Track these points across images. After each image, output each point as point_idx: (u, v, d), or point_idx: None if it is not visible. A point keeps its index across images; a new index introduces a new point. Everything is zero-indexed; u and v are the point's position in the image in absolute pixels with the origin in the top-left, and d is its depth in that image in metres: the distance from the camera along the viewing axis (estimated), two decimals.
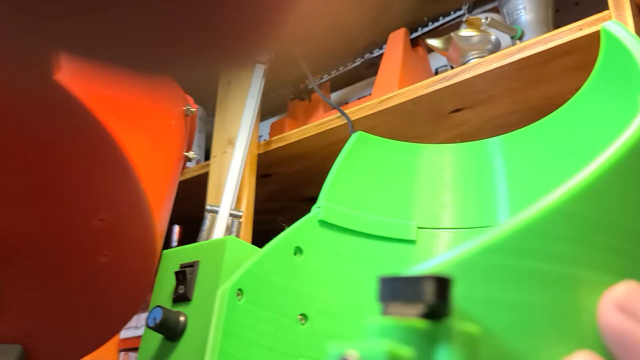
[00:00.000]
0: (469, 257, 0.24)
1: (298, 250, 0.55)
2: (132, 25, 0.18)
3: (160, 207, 0.45)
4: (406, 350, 0.20)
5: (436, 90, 0.83)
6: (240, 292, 0.48)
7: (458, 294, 0.22)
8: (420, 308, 0.21)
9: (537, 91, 0.80)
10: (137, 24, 0.18)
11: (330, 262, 0.57)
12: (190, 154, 0.62)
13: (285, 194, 1.21)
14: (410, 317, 0.21)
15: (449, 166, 0.59)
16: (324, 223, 0.57)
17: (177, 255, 0.54)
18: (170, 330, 0.48)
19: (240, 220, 0.91)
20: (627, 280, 0.23)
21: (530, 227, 0.24)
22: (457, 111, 0.88)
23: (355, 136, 0.61)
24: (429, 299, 0.21)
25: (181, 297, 0.51)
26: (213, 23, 0.19)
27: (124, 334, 1.13)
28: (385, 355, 0.19)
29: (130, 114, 0.38)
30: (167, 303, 0.52)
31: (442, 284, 0.21)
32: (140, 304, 0.50)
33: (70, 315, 0.45)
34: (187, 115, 0.55)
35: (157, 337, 0.50)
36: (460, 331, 0.21)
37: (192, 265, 0.52)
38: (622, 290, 0.23)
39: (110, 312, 0.48)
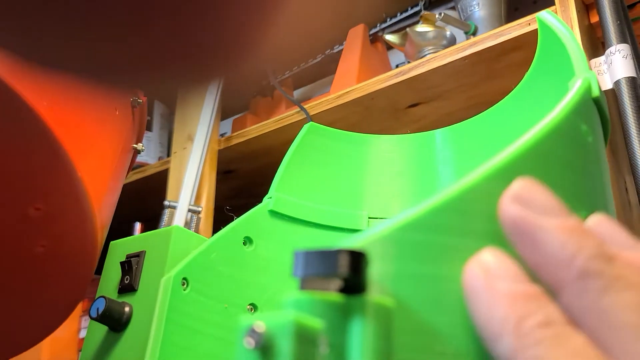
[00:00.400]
0: (387, 234, 0.24)
1: (248, 240, 0.55)
2: (117, 49, 0.18)
3: (101, 198, 0.44)
4: (316, 322, 0.20)
5: (392, 84, 0.83)
6: (185, 281, 0.48)
7: (376, 270, 0.23)
8: (336, 283, 0.22)
9: (490, 86, 0.82)
10: (123, 48, 0.18)
11: (280, 252, 0.57)
12: (139, 146, 0.61)
13: (247, 190, 1.21)
14: (326, 292, 0.22)
15: (399, 157, 0.59)
16: (274, 213, 0.57)
17: (124, 246, 0.54)
18: (114, 321, 0.48)
19: (200, 215, 0.90)
20: (523, 177, 0.24)
21: (448, 205, 0.25)
22: (414, 106, 0.89)
23: (306, 127, 0.61)
24: (343, 273, 0.21)
25: (127, 288, 0.50)
26: (195, 45, 0.19)
27: (85, 333, 1.12)
28: (291, 325, 0.19)
29: (66, 100, 0.38)
30: (113, 294, 0.51)
31: (356, 257, 0.21)
32: (81, 296, 0.50)
33: (6, 308, 0.44)
34: (134, 107, 0.55)
35: (102, 329, 0.49)
36: (375, 304, 0.21)
37: (138, 255, 0.52)
38: (518, 184, 0.24)
39: (49, 305, 0.47)
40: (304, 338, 0.19)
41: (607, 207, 0.31)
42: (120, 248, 0.54)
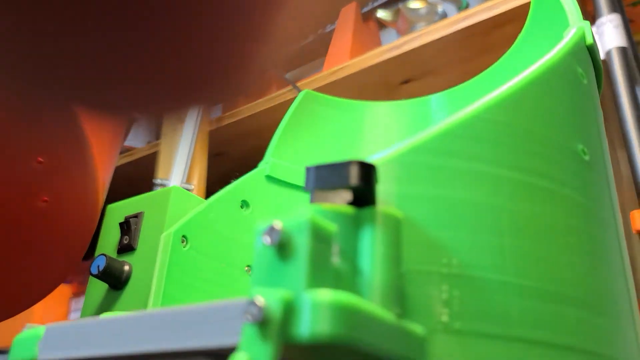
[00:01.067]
0: (396, 156, 0.25)
1: (244, 204, 0.55)
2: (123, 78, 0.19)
3: (103, 156, 0.44)
4: (330, 225, 0.20)
5: (385, 60, 0.84)
6: (184, 238, 0.48)
7: (384, 189, 0.23)
8: (346, 195, 0.22)
9: (484, 60, 0.82)
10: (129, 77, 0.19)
11: (276, 216, 0.57)
12: None
13: (239, 174, 1.21)
14: (337, 205, 0.22)
15: (395, 122, 0.60)
16: (270, 178, 0.58)
17: (121, 209, 0.54)
18: (114, 278, 0.48)
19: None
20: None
21: (453, 131, 0.25)
22: (407, 82, 0.90)
23: (302, 94, 0.62)
24: (354, 183, 0.21)
25: (126, 248, 0.51)
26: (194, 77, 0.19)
27: (74, 316, 1.11)
28: (308, 222, 0.19)
29: None
30: (112, 254, 0.51)
31: (367, 168, 0.22)
32: (81, 255, 0.50)
33: (5, 265, 0.44)
34: None
35: (102, 287, 0.50)
36: (384, 213, 0.22)
37: (137, 216, 0.52)
38: None
39: (49, 263, 0.47)
40: (319, 236, 0.19)
41: (602, 145, 0.32)
42: (118, 211, 0.54)
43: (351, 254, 0.21)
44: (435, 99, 0.60)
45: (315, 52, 1.25)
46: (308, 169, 0.23)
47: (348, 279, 0.21)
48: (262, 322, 0.18)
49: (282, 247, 0.19)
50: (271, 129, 1.05)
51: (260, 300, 0.18)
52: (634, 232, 0.54)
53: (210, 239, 0.50)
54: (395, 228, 0.22)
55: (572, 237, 0.26)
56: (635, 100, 0.62)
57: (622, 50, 0.63)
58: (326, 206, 0.22)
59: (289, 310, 0.18)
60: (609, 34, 0.63)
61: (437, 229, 0.23)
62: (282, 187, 0.58)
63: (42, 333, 0.26)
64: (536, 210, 0.25)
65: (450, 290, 0.22)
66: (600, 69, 0.37)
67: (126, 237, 0.51)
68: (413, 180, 0.24)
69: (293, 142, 0.59)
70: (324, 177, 0.22)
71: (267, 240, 0.19)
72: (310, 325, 0.18)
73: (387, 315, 0.20)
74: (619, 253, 0.29)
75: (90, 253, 0.58)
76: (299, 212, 0.20)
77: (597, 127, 0.32)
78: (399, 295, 0.21)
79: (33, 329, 0.27)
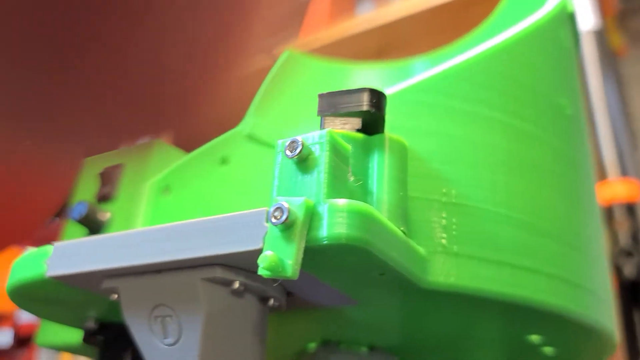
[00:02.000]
0: (399, 93, 0.26)
1: (224, 161, 0.56)
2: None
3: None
4: (346, 145, 0.22)
5: (361, 32, 0.85)
6: (167, 188, 0.49)
7: (388, 122, 0.25)
8: (355, 123, 0.24)
9: (462, 33, 0.84)
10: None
11: (256, 176, 0.58)
12: None
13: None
14: (348, 131, 0.24)
15: (379, 84, 0.62)
16: (251, 137, 0.58)
17: (100, 161, 0.54)
18: (96, 224, 0.48)
19: None
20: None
21: (451, 73, 0.27)
22: (382, 54, 0.91)
23: (285, 54, 0.62)
24: (367, 108, 0.23)
25: (105, 197, 0.51)
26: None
27: None
28: (328, 136, 0.20)
29: None
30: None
31: (378, 95, 0.23)
32: (64, 197, 0.50)
33: None
34: None
35: (81, 233, 0.50)
36: (393, 140, 0.23)
37: (117, 167, 0.52)
38: None
39: (33, 203, 0.47)
40: (337, 152, 0.21)
41: (580, 105, 0.34)
42: (96, 164, 0.54)
43: (362, 176, 0.23)
44: (419, 62, 0.62)
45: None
46: (321, 95, 0.24)
47: (360, 196, 0.22)
48: (287, 224, 0.19)
49: (303, 161, 0.21)
50: (245, 98, 1.05)
51: (284, 204, 0.19)
52: None
53: (192, 192, 0.51)
54: (402, 154, 0.24)
55: (555, 179, 0.28)
56: None
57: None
58: (338, 131, 0.23)
59: (311, 215, 0.19)
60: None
61: (437, 162, 0.25)
62: (263, 147, 0.59)
63: (50, 251, 0.26)
64: (525, 152, 0.27)
65: (449, 217, 0.24)
66: (578, 37, 0.39)
67: (105, 187, 0.51)
68: (415, 115, 0.26)
69: (275, 103, 0.60)
70: (337, 103, 0.23)
71: (289, 153, 0.21)
72: (329, 227, 0.19)
73: (395, 229, 0.21)
74: (594, 201, 0.31)
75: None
76: (318, 132, 0.21)
77: (577, 87, 0.34)
78: (405, 215, 0.23)
79: (39, 247, 0.27)
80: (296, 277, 0.19)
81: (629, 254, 0.59)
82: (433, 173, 0.25)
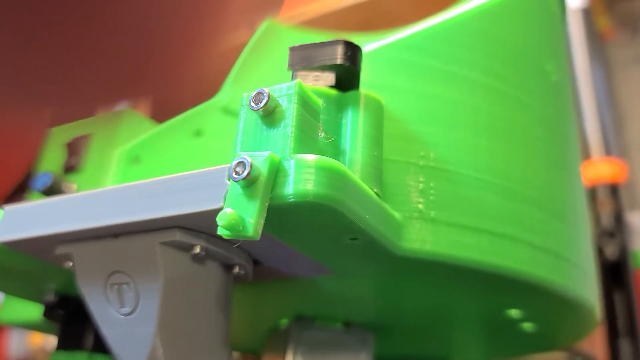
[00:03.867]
0: (375, 50, 0.24)
1: (198, 133, 0.54)
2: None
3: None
4: (317, 99, 0.20)
5: (345, 7, 0.83)
6: (137, 159, 0.47)
7: (363, 80, 0.23)
8: (329, 78, 0.22)
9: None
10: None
11: (230, 148, 0.56)
12: None
13: None
14: (320, 87, 0.22)
15: None
16: (227, 110, 0.57)
17: (66, 131, 0.52)
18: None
19: None
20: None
21: (432, 32, 0.26)
22: (367, 30, 0.89)
23: (264, 24, 0.60)
24: (341, 61, 0.21)
25: (71, 168, 0.49)
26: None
27: None
28: (297, 87, 0.19)
29: None
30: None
31: (353, 48, 0.22)
32: (28, 167, 0.48)
33: None
34: None
35: None
36: (367, 96, 0.22)
37: (84, 137, 0.50)
38: None
39: None
40: (307, 105, 0.19)
41: (566, 73, 0.33)
42: (63, 133, 0.52)
43: (334, 134, 0.21)
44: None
45: None
46: (292, 48, 0.22)
47: (331, 154, 0.20)
48: (250, 180, 0.17)
49: (269, 114, 0.19)
50: (222, 73, 1.03)
51: (247, 159, 0.17)
52: None
53: (163, 163, 0.49)
54: (378, 112, 0.22)
55: (540, 145, 0.27)
56: None
57: None
58: (310, 87, 0.21)
59: (276, 171, 0.18)
60: None
61: (416, 124, 0.24)
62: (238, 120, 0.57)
63: (1, 215, 0.25)
64: (509, 115, 0.26)
65: (427, 181, 0.23)
66: (564, 6, 0.38)
67: (72, 157, 0.49)
68: (394, 73, 0.24)
69: (253, 74, 0.58)
70: (309, 57, 0.22)
71: (253, 105, 0.19)
72: (295, 184, 0.17)
73: (368, 189, 0.20)
74: (579, 171, 0.30)
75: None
76: (284, 84, 0.19)
77: (563, 55, 0.33)
78: (379, 177, 0.21)
79: None
80: (258, 237, 0.17)
81: (611, 234, 0.58)
82: (410, 135, 0.23)
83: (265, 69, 0.61)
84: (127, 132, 0.50)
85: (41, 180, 0.46)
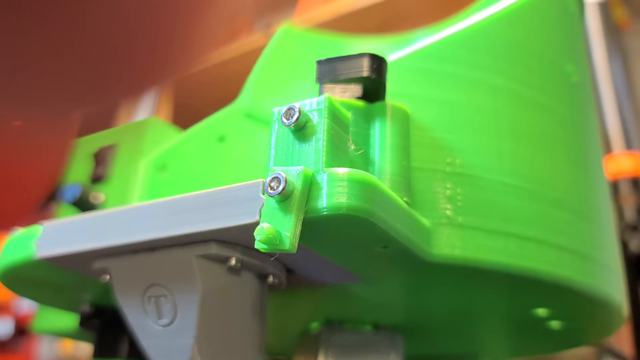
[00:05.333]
0: (399, 60, 0.25)
1: (221, 138, 0.55)
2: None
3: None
4: (346, 111, 0.21)
5: (360, 9, 0.84)
6: (163, 167, 0.48)
7: (390, 90, 0.24)
8: (356, 90, 0.22)
9: (461, 8, 0.83)
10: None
11: (253, 152, 0.57)
12: None
13: None
14: (347, 99, 0.22)
15: None
16: (249, 115, 0.57)
17: (94, 141, 0.53)
18: (89, 206, 0.47)
19: None
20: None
21: (453, 39, 0.26)
22: (381, 31, 0.90)
23: (283, 29, 0.61)
24: (367, 74, 0.22)
25: (98, 178, 0.50)
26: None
27: None
28: (326, 101, 0.19)
29: None
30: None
31: (379, 60, 0.22)
32: (55, 179, 0.49)
33: None
34: None
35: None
36: (394, 107, 0.22)
37: (110, 147, 0.51)
38: None
39: (20, 185, 0.46)
40: (337, 119, 0.20)
41: (587, 72, 0.33)
42: (88, 144, 0.53)
43: (363, 145, 0.22)
44: (421, 34, 0.60)
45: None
46: (319, 62, 0.23)
47: (361, 166, 0.21)
48: (285, 194, 0.18)
49: (300, 129, 0.20)
50: (241, 77, 1.04)
51: (282, 174, 0.18)
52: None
53: (189, 170, 0.50)
54: (405, 122, 0.22)
55: (562, 148, 0.27)
56: None
57: None
58: (338, 99, 0.22)
59: (309, 184, 0.18)
60: None
61: (441, 131, 0.24)
62: (260, 124, 0.57)
63: (39, 231, 0.25)
64: (531, 119, 0.26)
65: (454, 187, 0.23)
66: (583, 5, 0.38)
67: (99, 167, 0.50)
68: (418, 82, 0.25)
69: (273, 79, 0.59)
70: (335, 69, 0.22)
71: (285, 121, 0.20)
72: (329, 197, 0.18)
73: (398, 199, 0.20)
74: (601, 171, 0.30)
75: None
76: (314, 98, 0.20)
77: (583, 55, 0.33)
78: (408, 186, 0.22)
79: (27, 228, 0.26)
80: (294, 250, 0.18)
81: (634, 228, 0.58)
82: (436, 142, 0.24)
83: (284, 72, 0.61)
84: (152, 140, 0.51)
85: (70, 191, 0.47)
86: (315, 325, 0.33)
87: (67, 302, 0.32)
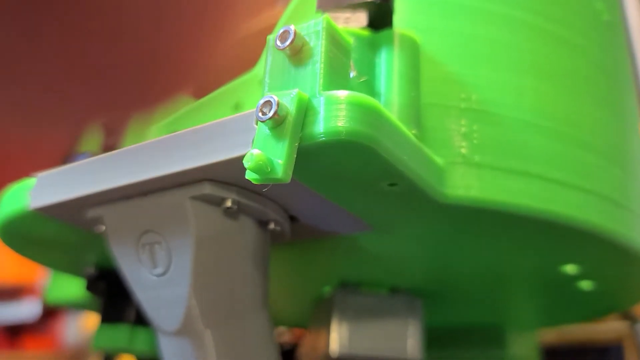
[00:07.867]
0: None
1: (237, 106, 0.53)
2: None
3: None
4: (347, 37, 0.19)
5: None
6: (175, 132, 0.47)
7: (400, 22, 0.22)
8: (361, 18, 0.21)
9: None
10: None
11: None
12: None
13: None
14: (352, 27, 0.21)
15: None
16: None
17: None
18: None
19: None
20: None
21: None
22: None
23: None
24: None
25: (110, 148, 0.49)
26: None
27: None
28: (325, 25, 0.18)
29: None
30: None
31: None
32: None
33: None
34: None
35: None
36: (402, 35, 0.20)
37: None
38: None
39: None
40: (336, 42, 0.18)
41: (618, 12, 0.31)
42: None
43: (367, 74, 0.20)
44: None
45: None
46: None
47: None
48: (277, 120, 0.16)
49: (296, 52, 0.18)
50: (258, 43, 1.02)
51: (274, 98, 0.16)
52: None
53: None
54: (414, 51, 0.21)
55: (591, 88, 0.25)
56: None
57: None
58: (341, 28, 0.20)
59: (305, 109, 0.17)
60: None
61: (455, 65, 0.22)
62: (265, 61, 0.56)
63: (33, 182, 0.24)
64: (555, 55, 0.24)
65: (469, 124, 0.21)
66: None
67: (111, 137, 0.49)
68: (429, 13, 0.23)
69: None
70: None
71: (279, 44, 0.18)
72: (326, 121, 0.16)
73: (406, 130, 0.18)
74: (635, 118, 0.28)
75: None
76: (311, 20, 0.18)
77: None
78: (417, 119, 0.20)
79: (22, 180, 0.25)
80: (288, 179, 0.16)
81: None
82: (450, 77, 0.22)
83: None
84: (165, 108, 0.50)
85: (80, 160, 0.46)
86: (328, 289, 0.32)
87: (69, 263, 0.31)
